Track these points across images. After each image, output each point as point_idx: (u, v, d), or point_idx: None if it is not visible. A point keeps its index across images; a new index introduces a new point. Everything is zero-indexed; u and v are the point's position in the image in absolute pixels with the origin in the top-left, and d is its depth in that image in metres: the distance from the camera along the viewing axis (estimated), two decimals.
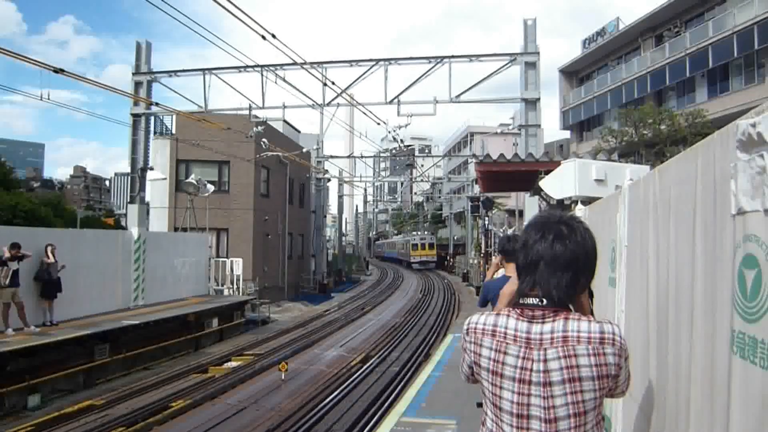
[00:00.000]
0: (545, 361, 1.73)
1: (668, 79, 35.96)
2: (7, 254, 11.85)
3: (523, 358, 1.75)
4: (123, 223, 35.84)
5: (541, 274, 1.80)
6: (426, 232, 67.91)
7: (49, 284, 13.24)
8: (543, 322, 1.76)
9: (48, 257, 13.06)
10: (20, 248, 12.08)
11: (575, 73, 49.29)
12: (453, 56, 21.52)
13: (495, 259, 4.73)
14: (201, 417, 10.37)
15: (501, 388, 1.79)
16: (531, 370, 1.74)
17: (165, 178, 25.72)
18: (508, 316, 1.82)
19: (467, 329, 1.92)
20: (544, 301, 1.77)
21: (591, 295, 1.99)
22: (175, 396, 11.62)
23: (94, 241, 16.81)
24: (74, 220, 35.71)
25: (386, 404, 11.01)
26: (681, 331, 2.24)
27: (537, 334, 1.75)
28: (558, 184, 9.98)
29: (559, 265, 1.78)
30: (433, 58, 21.59)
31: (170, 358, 15.86)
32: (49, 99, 14.73)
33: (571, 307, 1.81)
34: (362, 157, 45.98)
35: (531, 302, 1.80)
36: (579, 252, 1.80)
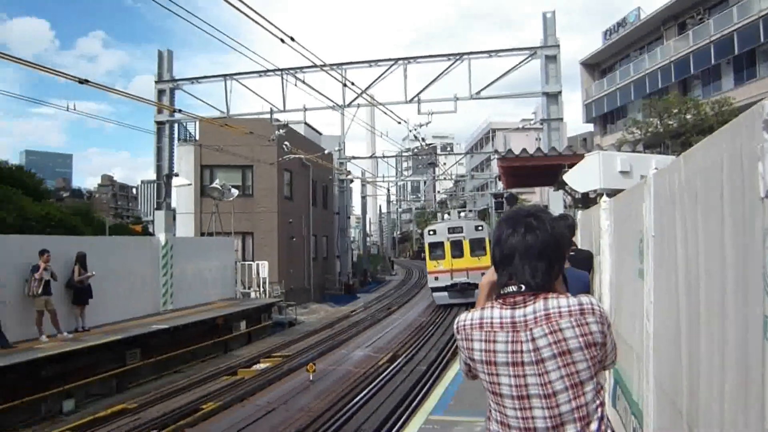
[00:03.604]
0: (533, 340, 1.81)
1: (693, 67, 35.34)
2: (42, 267, 12.10)
3: (512, 342, 1.83)
4: (150, 230, 36.35)
5: (517, 266, 1.89)
6: (463, 213, 34.43)
7: (80, 291, 13.52)
8: (525, 306, 1.85)
9: (78, 274, 13.35)
10: (49, 254, 12.32)
11: (597, 66, 48.71)
12: (472, 53, 21.40)
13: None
14: (231, 418, 10.47)
15: (497, 375, 1.86)
16: (521, 351, 1.82)
17: (190, 184, 26.00)
18: (492, 307, 1.92)
19: (457, 328, 2.00)
20: (522, 287, 1.87)
21: (565, 280, 2.07)
22: (205, 398, 11.75)
23: (122, 248, 17.10)
24: (103, 228, 36.31)
25: (414, 403, 11.00)
26: (712, 320, 2.20)
27: (521, 317, 1.84)
28: (582, 177, 9.89)
29: (533, 255, 1.88)
30: (452, 55, 21.48)
31: (200, 362, 16.04)
32: (75, 109, 15.06)
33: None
34: (384, 157, 46.05)
35: (511, 290, 1.89)
36: (549, 241, 1.90)
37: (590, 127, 50.74)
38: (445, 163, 55.88)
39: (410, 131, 27.94)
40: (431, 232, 27.06)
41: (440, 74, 21.46)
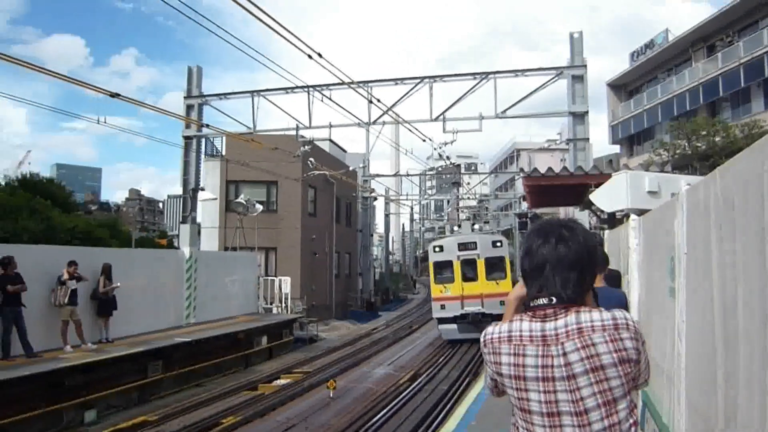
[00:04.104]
0: (564, 354, 1.74)
1: (722, 89, 34.88)
2: (66, 275, 12.30)
3: (543, 356, 1.77)
4: (175, 244, 36.73)
5: (548, 277, 1.83)
6: (477, 225, 25.79)
7: (104, 302, 13.67)
8: (556, 319, 1.79)
9: (103, 285, 13.51)
10: (77, 265, 12.52)
11: (623, 87, 48.36)
12: (498, 72, 21.38)
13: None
14: None
15: (527, 390, 1.79)
16: (552, 366, 1.75)
17: (215, 199, 26.28)
18: (521, 320, 1.85)
19: (484, 341, 1.93)
20: (554, 299, 1.81)
21: (595, 296, 2.00)
22: (226, 412, 11.75)
23: (147, 260, 17.28)
24: (129, 240, 36.79)
25: (436, 423, 10.85)
26: (753, 340, 2.11)
27: (552, 330, 1.78)
28: (609, 196, 9.74)
29: (565, 266, 1.82)
30: (477, 74, 21.49)
31: (221, 376, 16.07)
32: (105, 123, 15.40)
33: None
34: (408, 175, 46.16)
35: (541, 302, 1.83)
36: (582, 252, 1.84)
37: (616, 149, 50.25)
38: (469, 183, 55.59)
39: (435, 149, 27.92)
40: (437, 249, 21.15)
41: (466, 93, 21.46)
